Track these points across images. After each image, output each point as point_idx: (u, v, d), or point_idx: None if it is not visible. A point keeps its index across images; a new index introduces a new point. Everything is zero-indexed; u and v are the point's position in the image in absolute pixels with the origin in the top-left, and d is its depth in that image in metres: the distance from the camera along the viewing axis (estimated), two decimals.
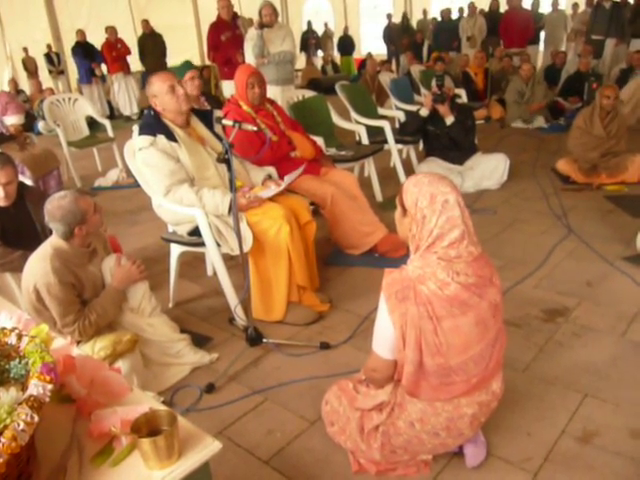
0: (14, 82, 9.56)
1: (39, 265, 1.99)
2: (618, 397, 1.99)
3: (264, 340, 2.43)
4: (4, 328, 0.86)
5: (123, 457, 0.84)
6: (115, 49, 8.99)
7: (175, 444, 0.84)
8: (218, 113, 2.55)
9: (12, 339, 0.84)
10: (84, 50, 9.18)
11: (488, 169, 4.41)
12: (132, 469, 0.83)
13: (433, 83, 4.64)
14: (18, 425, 0.66)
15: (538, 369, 2.19)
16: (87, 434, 0.88)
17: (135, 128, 2.78)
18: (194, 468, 0.82)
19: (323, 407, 1.84)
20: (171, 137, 2.55)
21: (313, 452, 1.84)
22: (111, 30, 9.02)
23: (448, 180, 1.55)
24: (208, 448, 0.84)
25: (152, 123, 2.60)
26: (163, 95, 2.55)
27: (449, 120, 4.32)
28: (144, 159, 2.55)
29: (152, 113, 2.63)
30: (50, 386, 0.73)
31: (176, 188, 2.51)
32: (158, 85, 2.56)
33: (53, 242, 2.04)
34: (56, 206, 1.98)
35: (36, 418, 0.68)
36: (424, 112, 4.40)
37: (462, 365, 1.51)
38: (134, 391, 0.93)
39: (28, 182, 3.55)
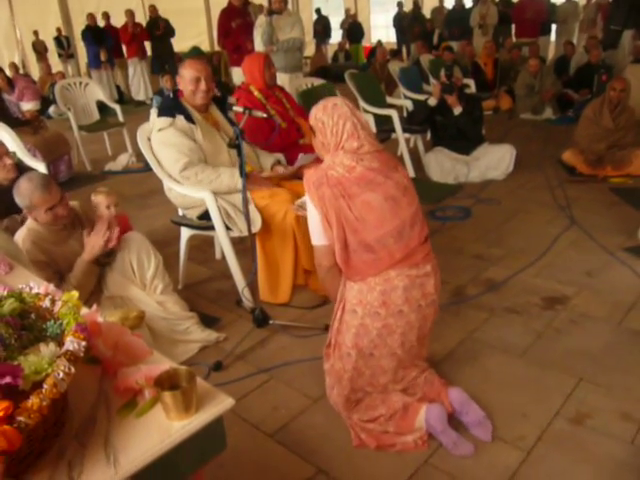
0: (14, 66, 9.52)
1: None
2: (612, 382, 2.06)
3: (270, 321, 2.51)
4: (38, 293, 0.94)
5: (147, 409, 0.93)
6: (132, 33, 9.00)
7: (193, 399, 0.93)
8: (231, 99, 2.61)
9: (46, 303, 0.93)
10: (94, 34, 9.21)
11: (494, 159, 4.44)
12: (154, 420, 0.92)
13: (442, 73, 4.66)
14: (58, 374, 0.74)
15: (536, 354, 2.26)
16: (113, 390, 0.97)
17: (153, 111, 2.86)
18: (210, 420, 0.92)
19: (326, 379, 1.94)
20: (189, 118, 2.63)
21: (316, 428, 1.92)
22: (130, 14, 9.03)
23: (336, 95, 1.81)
24: (222, 403, 0.94)
25: (171, 105, 2.68)
26: (187, 82, 2.64)
27: (457, 110, 4.35)
28: (162, 140, 2.61)
29: (172, 95, 2.71)
30: (84, 343, 0.81)
31: (193, 165, 2.57)
32: (188, 71, 2.63)
33: (28, 222, 2.12)
34: (19, 183, 2.04)
35: (73, 369, 0.76)
36: (432, 102, 4.43)
37: (381, 239, 1.71)
38: (154, 354, 1.02)
39: (40, 166, 3.64)
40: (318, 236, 1.79)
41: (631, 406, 1.93)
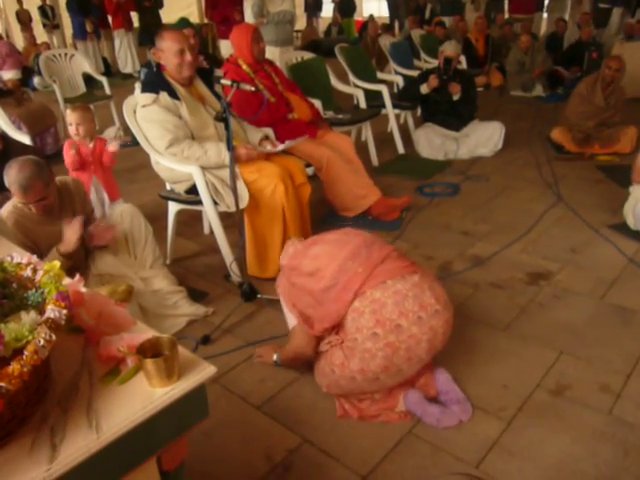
0: None
1: None
2: (591, 355, 2.10)
3: (258, 296, 2.53)
4: (20, 263, 0.94)
5: (129, 377, 0.95)
6: (118, 3, 8.77)
7: (175, 366, 0.94)
8: (218, 72, 2.58)
9: (28, 272, 0.93)
10: (79, 4, 8.96)
11: (484, 136, 4.44)
12: (137, 387, 0.94)
13: (443, 47, 4.53)
14: (39, 341, 0.75)
15: (519, 328, 2.29)
16: (96, 358, 0.98)
17: (137, 85, 2.80)
18: (192, 387, 0.93)
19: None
20: (173, 95, 2.58)
21: (302, 399, 1.95)
22: None
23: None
24: (205, 371, 0.95)
25: (155, 80, 2.63)
26: (170, 55, 2.56)
27: (456, 96, 4.33)
28: (146, 116, 2.58)
29: (155, 69, 2.65)
30: (65, 311, 0.82)
31: (179, 141, 2.55)
32: (169, 43, 2.56)
33: (14, 199, 2.08)
34: (9, 164, 1.98)
35: (54, 337, 0.77)
36: (424, 90, 4.39)
37: (341, 267, 1.76)
38: (137, 324, 1.03)
39: (25, 138, 3.58)
40: (291, 314, 1.86)
41: (609, 378, 1.98)
